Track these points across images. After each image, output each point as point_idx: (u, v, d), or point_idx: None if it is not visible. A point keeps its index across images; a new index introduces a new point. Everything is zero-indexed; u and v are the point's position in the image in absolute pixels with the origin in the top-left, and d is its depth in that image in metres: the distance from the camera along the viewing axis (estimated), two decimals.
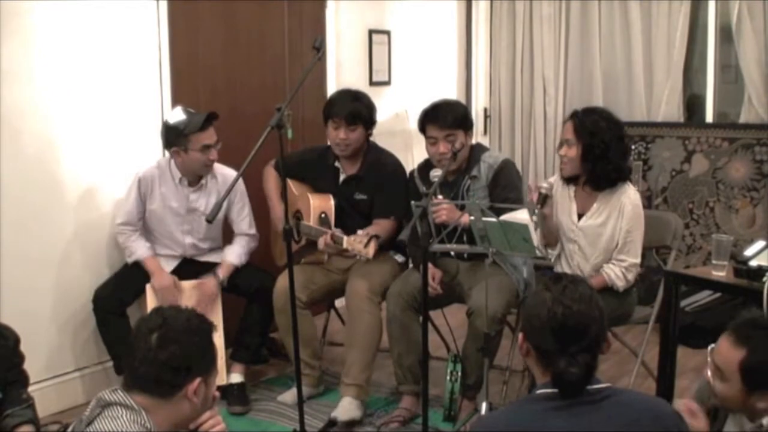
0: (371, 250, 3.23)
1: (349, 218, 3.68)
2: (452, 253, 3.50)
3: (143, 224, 3.68)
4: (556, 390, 1.85)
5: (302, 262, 3.72)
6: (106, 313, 3.56)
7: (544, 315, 1.85)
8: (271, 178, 3.89)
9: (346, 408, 3.45)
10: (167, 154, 3.65)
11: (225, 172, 3.68)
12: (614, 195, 3.31)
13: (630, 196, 3.30)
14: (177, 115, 3.54)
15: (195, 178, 3.65)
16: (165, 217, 3.66)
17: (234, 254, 3.71)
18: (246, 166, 2.84)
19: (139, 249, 3.62)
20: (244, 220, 3.76)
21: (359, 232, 3.31)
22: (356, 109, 3.65)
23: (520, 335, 1.96)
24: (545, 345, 1.85)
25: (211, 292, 3.62)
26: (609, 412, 1.84)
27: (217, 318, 3.63)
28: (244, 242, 3.76)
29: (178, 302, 3.55)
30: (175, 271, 3.69)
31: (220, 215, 3.60)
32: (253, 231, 3.79)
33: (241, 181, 3.62)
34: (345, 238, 3.35)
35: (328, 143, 3.86)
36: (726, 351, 1.98)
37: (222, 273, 3.66)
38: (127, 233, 3.63)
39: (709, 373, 2.05)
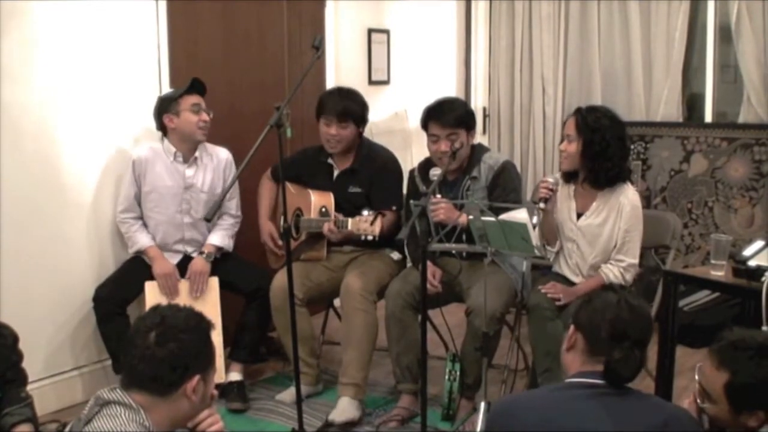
0: (377, 228, 3.26)
1: (344, 212, 3.67)
2: (453, 252, 3.50)
3: (143, 214, 3.69)
4: (585, 380, 1.99)
5: (301, 258, 3.73)
6: (106, 312, 3.56)
7: (610, 310, 2.03)
8: (264, 190, 3.94)
9: (344, 408, 3.44)
10: (160, 136, 3.72)
11: (218, 152, 3.76)
12: (613, 195, 3.31)
13: (629, 196, 3.30)
14: (167, 91, 3.66)
15: (189, 150, 3.68)
16: (162, 199, 3.67)
17: (217, 237, 3.74)
18: (245, 165, 2.84)
19: (141, 239, 3.65)
20: (232, 200, 3.80)
21: (363, 212, 3.34)
22: (347, 106, 3.68)
23: (571, 328, 2.11)
24: (602, 338, 2.00)
25: (200, 267, 3.63)
26: (635, 406, 1.97)
27: (215, 316, 3.63)
28: (228, 225, 3.79)
29: (177, 290, 3.61)
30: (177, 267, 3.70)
31: (217, 191, 3.71)
32: (239, 213, 3.85)
33: (233, 164, 3.76)
34: (349, 220, 3.38)
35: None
36: (710, 374, 2.01)
37: (206, 250, 3.70)
38: (129, 222, 3.66)
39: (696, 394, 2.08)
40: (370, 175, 3.72)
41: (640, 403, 1.99)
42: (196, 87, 3.64)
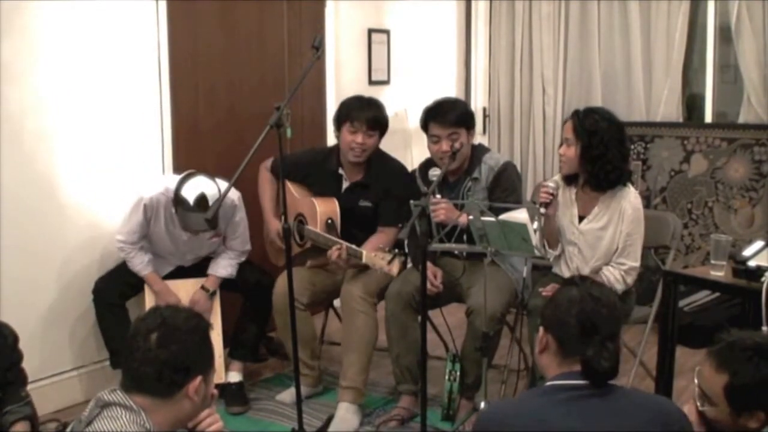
0: (395, 268, 3.19)
1: (351, 225, 3.64)
2: (456, 252, 3.49)
3: (146, 238, 3.61)
4: (566, 382, 1.96)
5: (308, 265, 3.69)
6: (106, 305, 3.56)
7: (574, 308, 1.98)
8: (266, 183, 3.84)
9: (342, 418, 3.43)
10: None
11: (223, 188, 3.62)
12: (615, 198, 3.30)
13: (631, 200, 3.28)
14: (191, 191, 3.33)
15: None
16: (168, 238, 3.60)
17: (221, 267, 3.66)
18: (245, 165, 2.82)
19: (139, 265, 3.56)
20: (236, 239, 3.67)
21: (379, 246, 3.29)
22: (377, 115, 3.60)
23: (540, 330, 2.06)
24: (572, 337, 1.96)
25: (203, 306, 3.58)
26: (619, 407, 1.94)
27: (215, 316, 3.64)
28: (233, 255, 3.69)
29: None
30: (172, 272, 3.71)
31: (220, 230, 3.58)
32: (246, 248, 3.72)
33: (240, 199, 3.60)
34: (364, 253, 3.32)
35: (329, 147, 3.82)
36: (709, 376, 2.00)
37: (211, 286, 3.64)
38: (127, 250, 3.55)
39: (695, 398, 2.07)
40: (383, 188, 3.64)
41: (624, 403, 1.96)
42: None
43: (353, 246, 3.38)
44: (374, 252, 3.28)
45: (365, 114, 3.57)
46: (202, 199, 3.28)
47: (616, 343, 1.98)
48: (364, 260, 3.31)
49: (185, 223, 3.38)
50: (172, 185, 3.42)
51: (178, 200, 3.35)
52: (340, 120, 3.64)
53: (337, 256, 3.39)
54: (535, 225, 2.95)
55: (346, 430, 3.40)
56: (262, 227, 3.93)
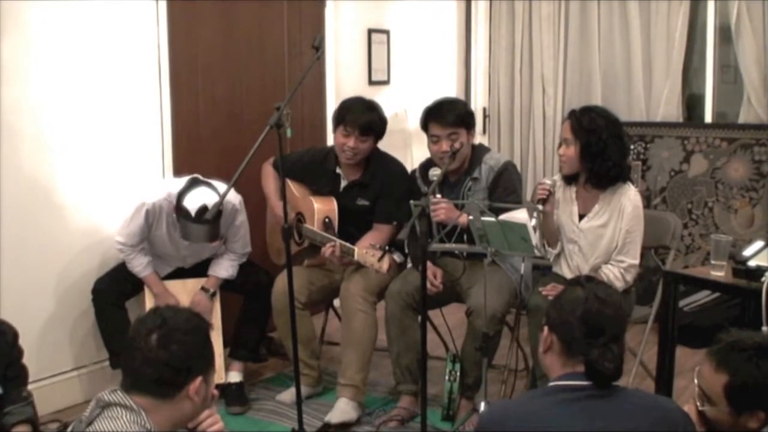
0: (385, 265, 3.20)
1: (348, 223, 3.65)
2: (456, 252, 3.49)
3: (147, 241, 3.59)
4: (569, 383, 1.96)
5: (305, 265, 3.70)
6: (105, 305, 3.56)
7: (579, 308, 1.97)
8: (270, 176, 3.85)
9: (341, 410, 3.44)
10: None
11: (228, 197, 3.59)
12: (615, 196, 3.31)
13: (630, 197, 3.30)
14: (193, 202, 3.26)
15: None
16: (169, 242, 3.59)
17: (222, 267, 3.66)
18: (244, 166, 2.82)
19: (138, 267, 3.55)
20: (237, 242, 3.66)
21: (371, 244, 3.29)
22: (371, 120, 3.59)
23: (545, 329, 2.06)
24: (576, 337, 1.96)
25: (203, 308, 3.57)
26: (623, 409, 1.93)
27: (215, 316, 3.64)
28: (234, 256, 3.69)
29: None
30: (172, 272, 3.71)
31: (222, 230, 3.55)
32: (247, 250, 3.72)
33: (240, 203, 3.58)
34: (356, 249, 3.33)
35: (329, 146, 3.81)
36: (709, 376, 2.01)
37: (211, 287, 3.64)
38: (127, 252, 3.54)
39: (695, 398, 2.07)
40: (381, 187, 3.66)
41: (627, 404, 1.96)
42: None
43: (347, 243, 3.40)
44: (365, 249, 3.29)
45: (359, 119, 3.56)
46: (203, 212, 3.23)
47: (620, 345, 1.98)
48: (356, 257, 3.33)
49: (186, 233, 3.35)
50: (175, 190, 3.38)
51: (180, 209, 3.32)
52: (336, 121, 3.65)
53: (330, 253, 3.42)
54: (534, 222, 2.95)
55: (343, 419, 3.40)
56: (263, 228, 3.94)
